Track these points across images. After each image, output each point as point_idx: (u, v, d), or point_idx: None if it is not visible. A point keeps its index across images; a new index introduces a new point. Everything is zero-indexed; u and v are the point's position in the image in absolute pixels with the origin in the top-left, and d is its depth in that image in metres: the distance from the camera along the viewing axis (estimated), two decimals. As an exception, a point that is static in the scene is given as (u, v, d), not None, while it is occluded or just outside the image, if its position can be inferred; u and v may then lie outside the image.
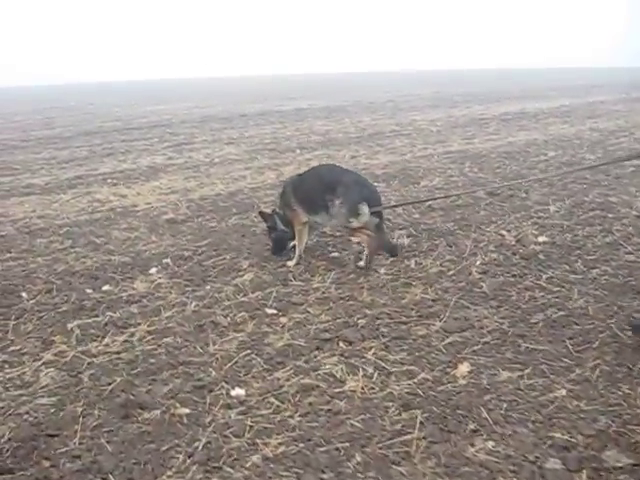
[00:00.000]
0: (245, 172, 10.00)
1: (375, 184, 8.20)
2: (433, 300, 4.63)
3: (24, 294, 5.07)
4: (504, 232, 6.23)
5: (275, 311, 4.55)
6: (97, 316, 4.56)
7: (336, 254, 5.73)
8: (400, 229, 6.39)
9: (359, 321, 4.28)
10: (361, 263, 5.30)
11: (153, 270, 5.52)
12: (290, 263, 5.43)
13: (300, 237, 5.40)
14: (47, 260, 5.90)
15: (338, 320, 4.34)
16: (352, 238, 5.47)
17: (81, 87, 51.46)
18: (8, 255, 6.12)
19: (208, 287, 5.04)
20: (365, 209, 4.96)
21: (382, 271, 5.28)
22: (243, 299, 4.76)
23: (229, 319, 4.41)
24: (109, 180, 9.80)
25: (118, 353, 3.94)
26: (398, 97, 25.66)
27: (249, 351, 3.90)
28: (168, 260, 5.74)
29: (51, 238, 6.63)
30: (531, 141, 12.15)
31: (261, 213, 5.86)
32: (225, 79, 59.84)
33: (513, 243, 5.91)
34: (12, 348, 4.11)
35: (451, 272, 5.21)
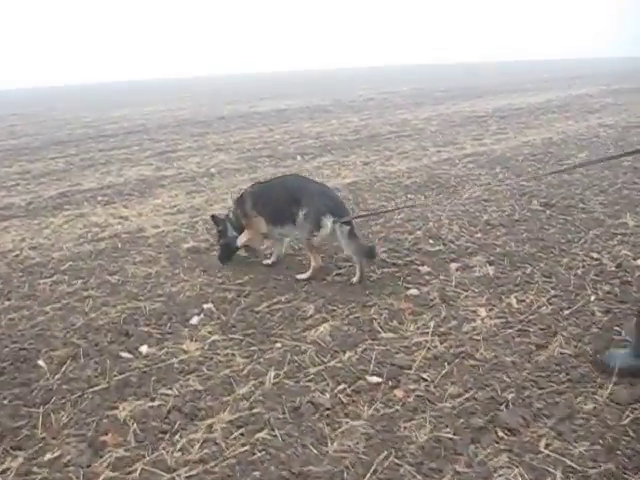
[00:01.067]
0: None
1: (410, 197, 7.27)
2: (575, 356, 3.69)
3: (42, 362, 3.95)
4: (595, 254, 5.31)
5: (380, 379, 3.54)
6: (150, 397, 3.46)
7: (415, 291, 4.73)
8: (472, 254, 5.40)
9: (505, 395, 3.26)
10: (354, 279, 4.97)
11: (195, 320, 4.45)
12: (241, 241, 5.43)
13: (250, 241, 5.41)
14: (58, 310, 4.77)
15: (472, 391, 3.34)
16: (311, 254, 5.06)
17: (36, 92, 49.43)
18: (8, 303, 4.96)
19: (278, 345, 3.99)
20: (328, 221, 4.72)
21: (483, 313, 4.31)
22: (332, 363, 3.73)
23: (329, 396, 3.36)
24: (99, 198, 8.61)
25: (204, 463, 2.86)
26: (377, 95, 24.78)
27: (386, 452, 2.85)
28: (210, 305, 4.67)
29: (54, 278, 5.46)
30: (548, 141, 11.34)
31: (213, 217, 5.61)
32: (184, 80, 58.30)
33: (613, 269, 4.99)
34: (49, 456, 3.01)
35: (567, 312, 4.28)
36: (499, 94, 22.28)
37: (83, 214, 7.72)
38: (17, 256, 6.21)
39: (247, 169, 10.16)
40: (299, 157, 10.98)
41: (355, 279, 4.96)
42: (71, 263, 5.84)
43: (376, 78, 40.27)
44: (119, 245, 6.33)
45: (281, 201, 5.05)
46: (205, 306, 4.67)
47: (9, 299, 5.06)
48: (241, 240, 5.38)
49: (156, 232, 6.71)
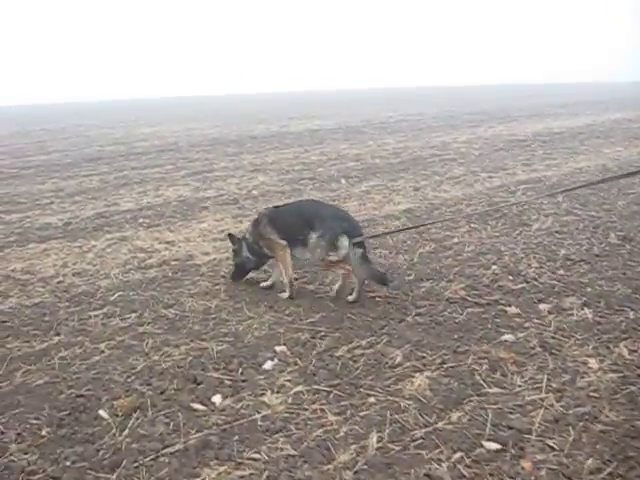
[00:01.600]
0: (301, 209, 8.42)
1: (473, 226, 6.78)
2: None
3: (104, 413, 3.50)
4: (698, 298, 4.77)
5: (500, 446, 3.02)
6: (236, 462, 3.00)
7: (510, 337, 4.27)
8: (560, 293, 4.93)
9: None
10: (350, 297, 4.97)
11: (268, 365, 4.00)
12: (283, 295, 5.16)
13: (285, 264, 5.10)
14: (114, 348, 4.33)
15: (613, 465, 2.91)
16: (334, 270, 5.08)
17: (56, 107, 49.63)
18: (57, 339, 4.53)
19: (372, 400, 3.52)
20: (345, 241, 4.66)
21: (594, 365, 3.86)
22: (441, 424, 3.24)
23: (446, 467, 2.86)
24: (140, 220, 8.19)
25: None
26: (408, 117, 24.40)
27: None
28: (283, 348, 4.22)
29: (105, 310, 5.03)
30: (602, 167, 10.86)
31: (230, 235, 5.55)
32: (205, 98, 58.41)
33: None
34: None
35: (689, 367, 3.73)
36: (533, 117, 21.84)
37: (126, 237, 7.31)
38: (60, 283, 5.81)
39: (291, 192, 9.74)
40: (343, 180, 10.55)
41: (351, 298, 4.99)
42: (121, 293, 5.41)
43: (395, 99, 39.98)
44: (170, 274, 5.89)
45: (296, 224, 5.00)
46: (278, 349, 4.22)
47: (58, 334, 4.63)
48: (286, 279, 5.17)
49: (207, 260, 6.28)
